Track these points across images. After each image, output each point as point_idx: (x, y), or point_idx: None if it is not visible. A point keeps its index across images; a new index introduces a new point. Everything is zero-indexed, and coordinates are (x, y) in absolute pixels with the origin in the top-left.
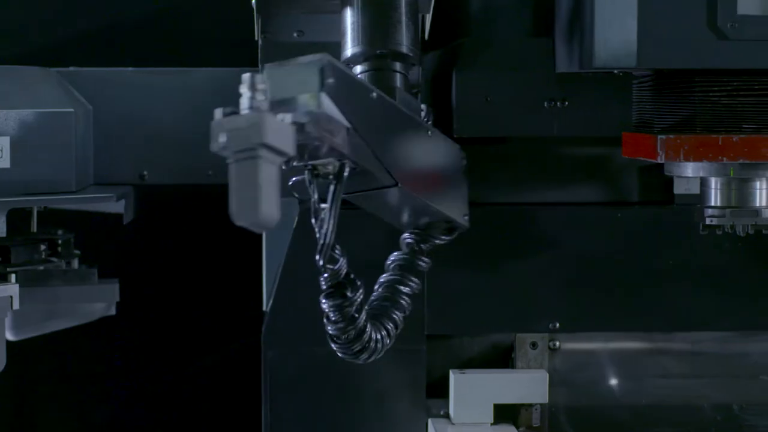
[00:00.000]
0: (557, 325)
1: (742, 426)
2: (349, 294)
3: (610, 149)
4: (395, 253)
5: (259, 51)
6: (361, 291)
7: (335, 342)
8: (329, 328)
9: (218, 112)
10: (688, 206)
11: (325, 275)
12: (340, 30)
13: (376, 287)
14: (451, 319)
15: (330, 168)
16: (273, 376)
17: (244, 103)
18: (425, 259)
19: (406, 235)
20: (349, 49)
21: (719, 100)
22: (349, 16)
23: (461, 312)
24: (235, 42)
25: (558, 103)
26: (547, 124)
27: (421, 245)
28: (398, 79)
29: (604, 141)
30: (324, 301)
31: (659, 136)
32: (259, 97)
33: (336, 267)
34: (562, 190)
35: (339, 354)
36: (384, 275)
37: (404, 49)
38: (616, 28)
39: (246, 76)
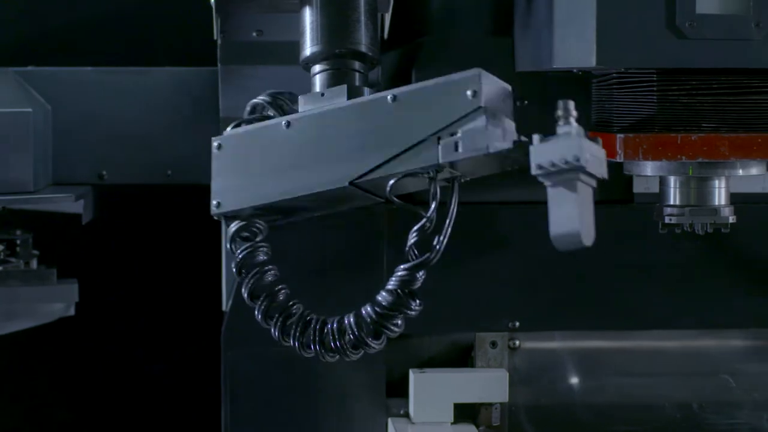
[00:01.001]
0: (517, 324)
1: (701, 424)
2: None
3: None
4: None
5: (218, 50)
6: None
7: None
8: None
9: (536, 138)
10: (648, 205)
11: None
12: (299, 29)
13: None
14: (411, 319)
15: (448, 175)
16: (232, 376)
17: (561, 129)
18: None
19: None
20: (308, 49)
21: (678, 99)
22: (308, 15)
23: (421, 311)
24: (193, 41)
25: (517, 102)
26: None
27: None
28: (357, 78)
29: None
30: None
31: (618, 135)
32: (574, 122)
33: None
34: (521, 189)
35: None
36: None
37: (363, 48)
38: (575, 28)
39: (560, 103)
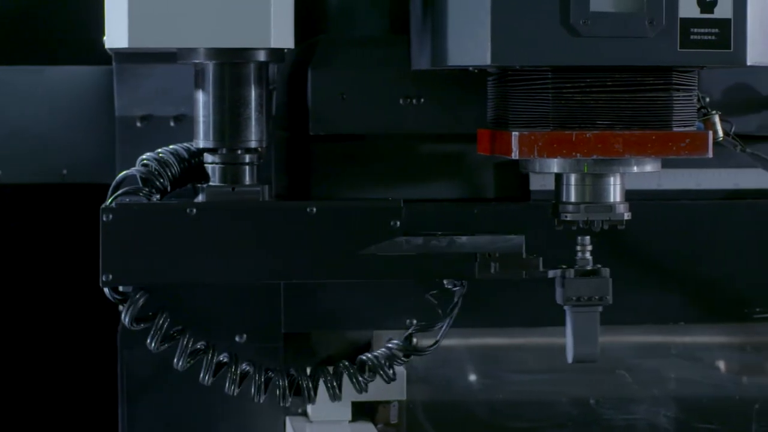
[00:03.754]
0: (414, 321)
1: (598, 420)
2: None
3: (466, 146)
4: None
5: None
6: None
7: None
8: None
9: (570, 273)
10: (544, 202)
11: None
12: (193, 110)
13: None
14: (309, 317)
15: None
16: (129, 374)
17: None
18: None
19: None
20: (201, 141)
21: (573, 97)
22: (201, 104)
23: (318, 309)
24: (88, 40)
25: (414, 101)
26: (402, 122)
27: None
28: (247, 172)
29: (460, 138)
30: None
31: (513, 133)
32: (588, 256)
33: None
34: (418, 187)
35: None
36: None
37: (254, 144)
38: (470, 26)
39: (580, 239)
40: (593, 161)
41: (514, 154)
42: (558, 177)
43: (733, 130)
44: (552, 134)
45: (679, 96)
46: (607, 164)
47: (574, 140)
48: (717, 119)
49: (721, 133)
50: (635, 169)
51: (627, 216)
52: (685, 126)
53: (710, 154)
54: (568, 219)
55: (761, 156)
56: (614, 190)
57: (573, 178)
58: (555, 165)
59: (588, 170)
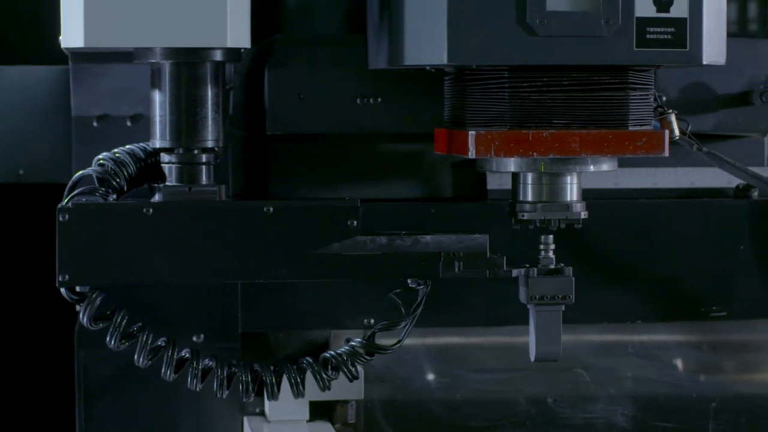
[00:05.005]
0: (372, 321)
1: (556, 419)
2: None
3: (423, 145)
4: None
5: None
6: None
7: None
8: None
9: (533, 272)
10: (501, 201)
11: None
12: (150, 110)
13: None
14: (266, 316)
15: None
16: (86, 375)
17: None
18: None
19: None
20: (158, 141)
21: (529, 96)
22: (157, 104)
23: (276, 309)
24: (44, 39)
25: (371, 100)
26: (360, 121)
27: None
28: (203, 172)
29: (418, 137)
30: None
31: (470, 132)
32: (551, 255)
33: None
34: (376, 186)
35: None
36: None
37: (211, 144)
38: (426, 25)
39: (543, 238)
40: (550, 160)
41: (471, 154)
42: (515, 176)
43: (689, 129)
44: (509, 133)
45: (635, 95)
46: (563, 163)
47: (530, 139)
48: (673, 118)
49: (677, 132)
50: (592, 168)
51: (584, 215)
52: (641, 125)
53: (666, 153)
54: (525, 218)
55: (717, 155)
56: (571, 189)
57: (530, 177)
58: (512, 164)
59: (545, 169)
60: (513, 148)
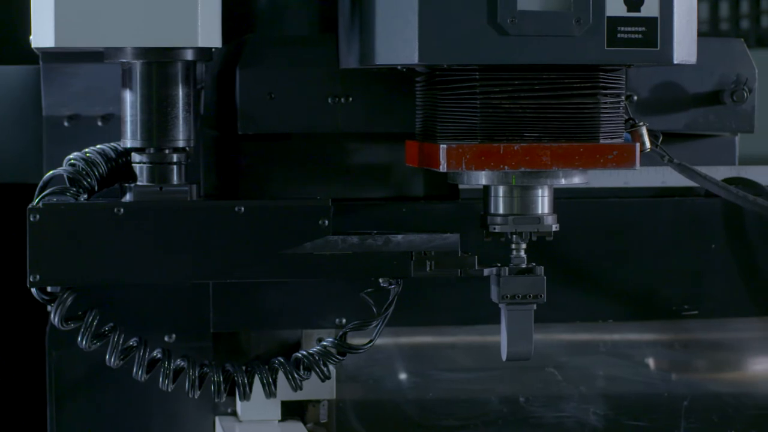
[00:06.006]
0: (344, 320)
1: (528, 418)
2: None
3: (394, 145)
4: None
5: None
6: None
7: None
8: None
9: (505, 271)
10: (472, 201)
11: None
12: (121, 110)
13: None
14: (238, 316)
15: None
16: (58, 375)
17: (516, 260)
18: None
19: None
20: (129, 140)
21: (500, 104)
22: (128, 104)
23: (247, 309)
24: (15, 39)
25: (342, 100)
26: (331, 121)
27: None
28: (175, 172)
29: (389, 137)
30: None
31: (441, 146)
32: (522, 254)
33: None
34: (347, 186)
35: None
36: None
37: (182, 144)
38: (397, 24)
39: (515, 237)
40: (521, 173)
41: (442, 167)
42: (486, 189)
43: (660, 140)
44: (480, 147)
45: (606, 103)
46: (534, 176)
47: (501, 153)
48: (644, 131)
49: (648, 145)
50: (563, 181)
51: (555, 227)
52: (612, 138)
53: (637, 167)
54: (497, 231)
55: (688, 167)
56: (542, 202)
57: (501, 190)
58: (483, 177)
59: (516, 182)
60: (484, 162)
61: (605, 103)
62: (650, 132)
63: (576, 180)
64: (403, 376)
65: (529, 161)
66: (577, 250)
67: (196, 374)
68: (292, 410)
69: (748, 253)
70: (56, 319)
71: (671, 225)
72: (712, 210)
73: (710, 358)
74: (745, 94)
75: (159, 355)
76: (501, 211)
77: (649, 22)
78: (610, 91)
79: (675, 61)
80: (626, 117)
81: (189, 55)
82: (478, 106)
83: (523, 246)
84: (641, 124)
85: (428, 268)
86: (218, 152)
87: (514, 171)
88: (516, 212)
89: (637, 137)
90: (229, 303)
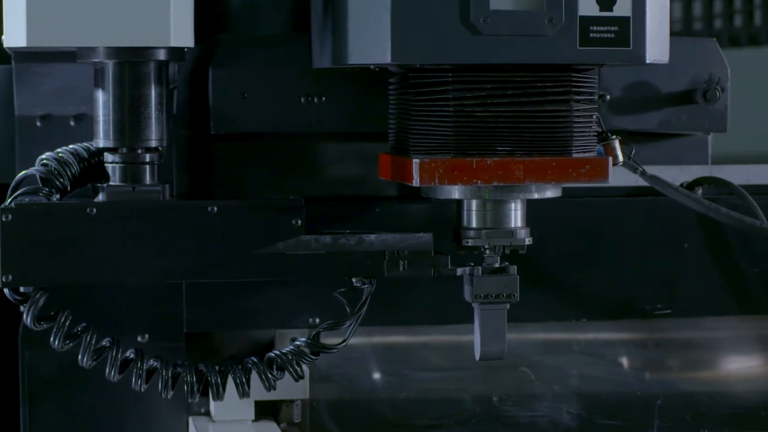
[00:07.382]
0: (317, 320)
1: (502, 417)
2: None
3: (367, 144)
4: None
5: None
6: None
7: None
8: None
9: (478, 270)
10: (445, 200)
11: None
12: (93, 110)
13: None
14: (211, 316)
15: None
16: (31, 376)
17: (489, 260)
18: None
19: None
20: (102, 140)
21: (473, 111)
22: (101, 104)
23: (220, 308)
24: None
25: (315, 99)
26: (304, 120)
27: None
28: (147, 171)
29: (362, 136)
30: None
31: (414, 160)
32: (491, 257)
33: None
34: (320, 185)
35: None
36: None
37: (155, 144)
38: (370, 24)
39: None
40: (494, 187)
41: (415, 182)
42: (459, 203)
43: (633, 153)
44: (452, 161)
45: (579, 109)
46: (507, 190)
47: (474, 167)
48: (617, 144)
49: (621, 158)
50: (536, 195)
51: (528, 241)
52: (585, 151)
53: (609, 181)
54: (470, 245)
55: (660, 179)
56: (515, 216)
57: (474, 204)
58: (456, 191)
59: (489, 196)
60: (457, 176)
61: (578, 109)
62: (623, 144)
63: (549, 194)
64: (376, 375)
65: (502, 175)
66: (550, 249)
67: (169, 374)
68: (265, 410)
69: (721, 253)
70: (29, 320)
71: (644, 224)
72: (685, 209)
73: (683, 357)
74: (718, 94)
75: (132, 356)
76: (474, 224)
77: (622, 21)
78: (583, 96)
79: (647, 61)
80: (599, 130)
81: (162, 55)
82: (451, 113)
83: (497, 257)
84: (614, 137)
85: (401, 268)
86: (191, 152)
87: (487, 185)
88: (489, 226)
89: (610, 150)
90: (202, 303)
